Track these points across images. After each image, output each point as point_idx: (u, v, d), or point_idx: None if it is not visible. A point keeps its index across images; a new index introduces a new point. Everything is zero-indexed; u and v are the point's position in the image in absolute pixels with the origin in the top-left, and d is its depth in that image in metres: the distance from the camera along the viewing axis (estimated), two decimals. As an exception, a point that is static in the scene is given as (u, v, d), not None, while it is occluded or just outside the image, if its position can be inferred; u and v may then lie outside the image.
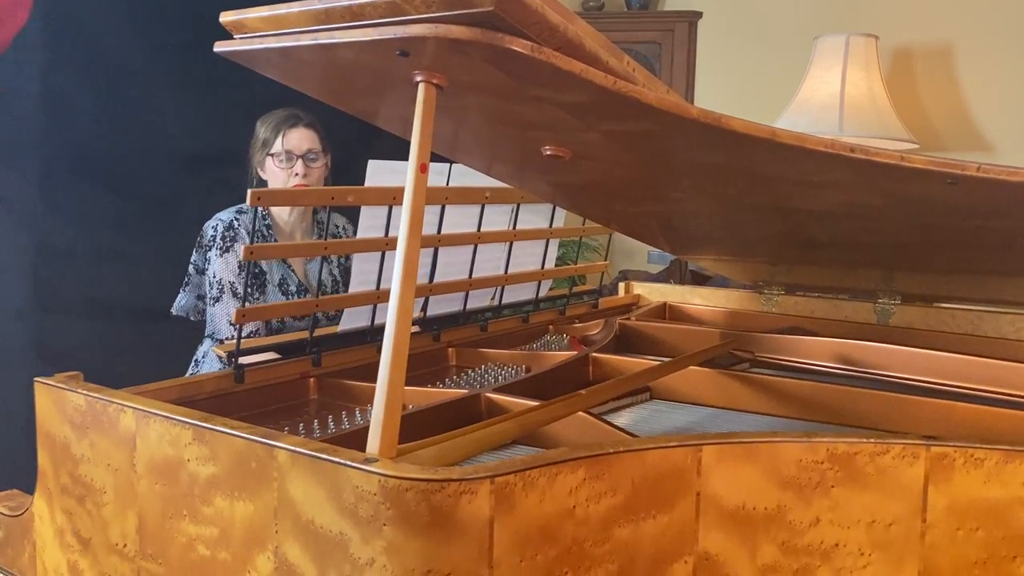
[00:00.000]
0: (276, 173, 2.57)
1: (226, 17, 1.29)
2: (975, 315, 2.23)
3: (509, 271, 2.32)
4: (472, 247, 2.18)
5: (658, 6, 4.78)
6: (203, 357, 2.53)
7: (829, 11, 4.23)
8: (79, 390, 1.45)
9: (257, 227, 2.54)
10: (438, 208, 2.05)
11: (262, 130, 2.60)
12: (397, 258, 1.19)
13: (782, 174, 1.55)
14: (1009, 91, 3.91)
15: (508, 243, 2.29)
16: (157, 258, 3.05)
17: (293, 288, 2.55)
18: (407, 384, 1.73)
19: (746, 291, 2.56)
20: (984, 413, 1.66)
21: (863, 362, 2.09)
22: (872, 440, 1.27)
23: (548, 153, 1.53)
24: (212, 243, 2.49)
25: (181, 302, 2.57)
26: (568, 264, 3.09)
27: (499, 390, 1.72)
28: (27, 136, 2.89)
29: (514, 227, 2.29)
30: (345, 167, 2.63)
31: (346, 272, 2.55)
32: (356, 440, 1.24)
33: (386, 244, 1.92)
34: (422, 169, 1.19)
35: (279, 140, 2.56)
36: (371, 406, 1.18)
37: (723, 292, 2.63)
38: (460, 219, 2.12)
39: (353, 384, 1.82)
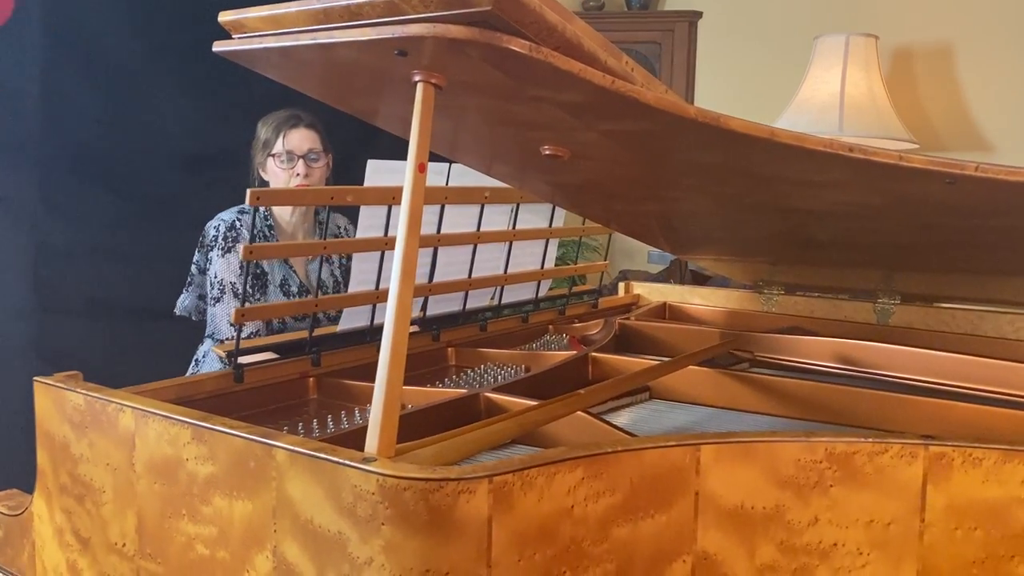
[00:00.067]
0: (277, 174, 2.58)
1: (225, 17, 1.29)
2: (975, 315, 2.23)
3: (509, 271, 2.32)
4: (472, 247, 2.18)
5: (658, 6, 4.78)
6: (203, 357, 2.53)
7: (829, 11, 4.23)
8: (78, 390, 1.45)
9: (259, 227, 2.55)
10: (437, 208, 2.05)
11: (263, 131, 2.61)
12: (395, 258, 1.19)
13: (781, 174, 1.55)
14: (1009, 91, 3.91)
15: (508, 243, 2.29)
16: (157, 258, 3.05)
17: (295, 289, 2.55)
18: (406, 384, 1.73)
19: (746, 291, 2.56)
20: (983, 413, 1.66)
21: (863, 362, 2.09)
22: (870, 440, 1.27)
23: (547, 153, 1.53)
24: (214, 243, 2.49)
25: (184, 302, 2.57)
26: (568, 264, 3.09)
27: (498, 390, 1.72)
28: (27, 136, 2.89)
29: (514, 227, 2.30)
30: (345, 167, 2.63)
31: (347, 272, 2.55)
32: (355, 440, 1.24)
33: (385, 244, 1.92)
34: (420, 169, 1.20)
35: (280, 141, 2.56)
36: (370, 406, 1.18)
37: (723, 292, 2.63)
38: (460, 219, 2.12)
39: (352, 384, 1.82)
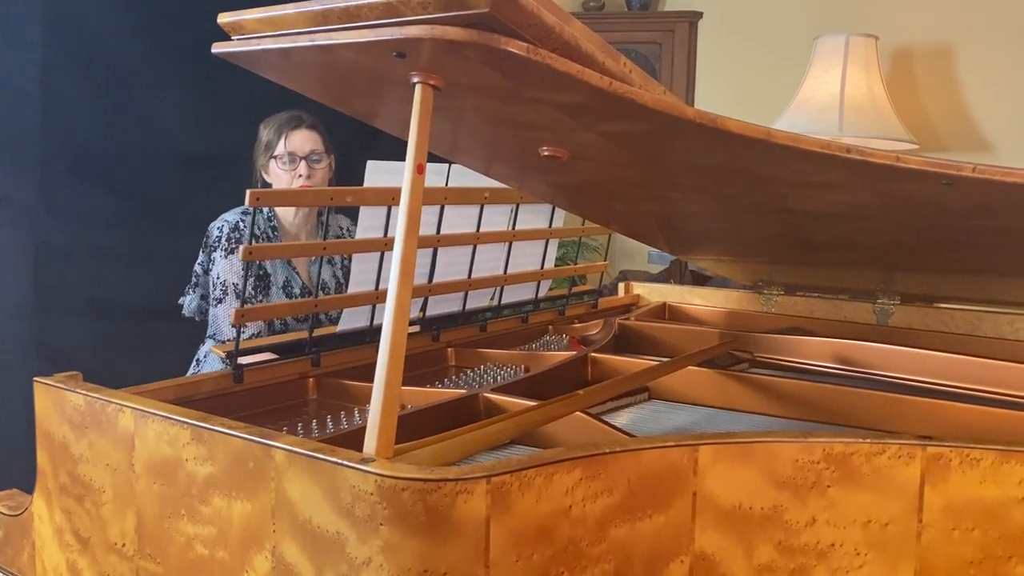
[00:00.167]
0: (280, 175, 2.58)
1: (224, 18, 1.29)
2: (974, 315, 2.23)
3: (508, 271, 2.32)
4: (471, 247, 2.18)
5: (658, 6, 4.78)
6: (204, 357, 2.54)
7: (829, 11, 4.23)
8: (78, 390, 1.45)
9: (263, 228, 2.55)
10: (437, 208, 2.05)
11: (265, 133, 2.61)
12: (394, 259, 1.19)
13: (779, 175, 1.55)
14: (1009, 91, 3.91)
15: (507, 243, 2.29)
16: (157, 258, 3.06)
17: (297, 290, 2.55)
18: (406, 384, 1.74)
19: (746, 291, 2.56)
20: (981, 413, 1.66)
21: (862, 362, 2.09)
22: (868, 440, 1.28)
23: (546, 154, 1.53)
24: (217, 244, 2.49)
25: (192, 304, 2.56)
26: (568, 264, 3.09)
27: (497, 390, 1.72)
28: (27, 136, 2.89)
29: (513, 227, 2.30)
30: (346, 168, 2.64)
31: (349, 273, 2.56)
32: (354, 440, 1.24)
33: (385, 244, 1.92)
34: (419, 170, 1.20)
35: (282, 142, 2.57)
36: (369, 406, 1.18)
37: (723, 292, 2.63)
38: (459, 219, 2.12)
39: (352, 384, 1.82)
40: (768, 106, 4.02)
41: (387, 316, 1.18)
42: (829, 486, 1.28)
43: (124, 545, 1.40)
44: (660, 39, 4.57)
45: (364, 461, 1.11)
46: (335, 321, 1.99)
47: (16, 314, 2.92)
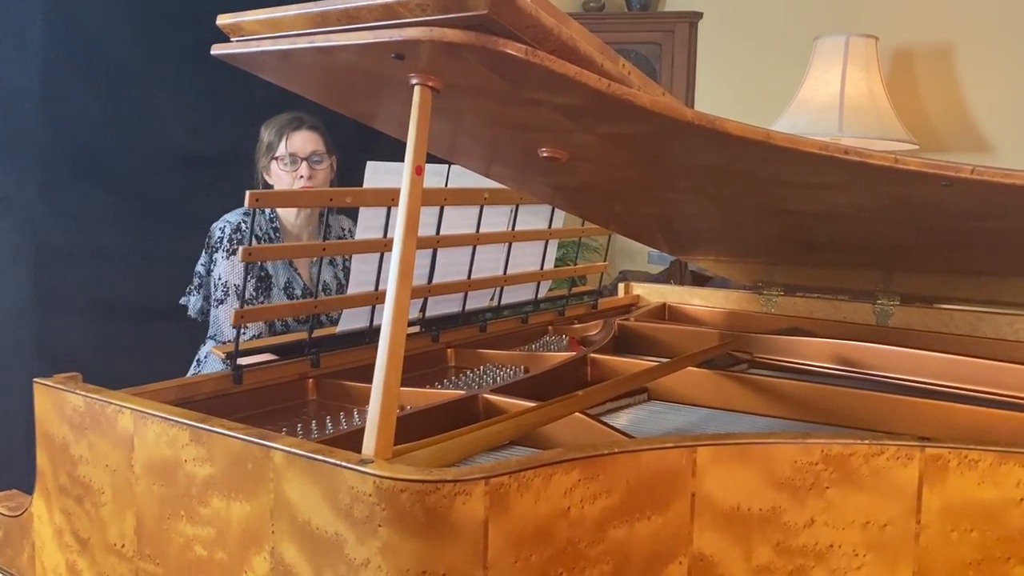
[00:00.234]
0: (281, 176, 2.58)
1: (223, 20, 1.30)
2: (974, 316, 2.23)
3: (508, 272, 2.32)
4: (471, 248, 2.18)
5: (658, 7, 4.79)
6: (205, 358, 2.54)
7: (829, 12, 4.23)
8: (77, 391, 1.45)
9: (265, 229, 2.55)
10: (437, 209, 2.05)
11: (266, 134, 2.61)
12: (393, 260, 1.19)
13: (778, 176, 1.55)
14: (1009, 92, 3.91)
15: (507, 244, 2.30)
16: (157, 258, 3.06)
17: (298, 292, 2.55)
18: (406, 385, 1.75)
19: (745, 292, 2.56)
20: (981, 414, 1.66)
21: (861, 363, 2.09)
22: (867, 441, 1.28)
23: (544, 155, 1.53)
24: (219, 244, 2.49)
25: (197, 305, 2.56)
26: (568, 265, 3.09)
27: (496, 391, 1.72)
28: (27, 136, 2.89)
29: (513, 228, 2.30)
30: (348, 169, 2.64)
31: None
32: (353, 441, 1.24)
33: (384, 245, 1.93)
34: (417, 171, 1.20)
35: (283, 143, 2.57)
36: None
37: (722, 293, 2.63)
38: (459, 220, 2.12)
39: (351, 385, 1.82)
40: (768, 106, 4.02)
41: (386, 317, 1.18)
42: (828, 487, 1.28)
43: (123, 546, 1.41)
44: (660, 39, 4.57)
45: (363, 462, 1.11)
46: (336, 322, 1.99)
47: (16, 314, 2.92)
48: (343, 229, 2.71)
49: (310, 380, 1.87)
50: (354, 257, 1.96)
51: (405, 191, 1.20)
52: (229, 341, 2.42)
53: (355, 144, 2.77)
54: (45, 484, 1.54)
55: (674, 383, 1.93)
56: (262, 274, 2.52)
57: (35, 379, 1.54)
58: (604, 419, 1.61)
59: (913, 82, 4.10)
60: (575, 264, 3.02)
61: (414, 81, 1.21)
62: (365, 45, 1.15)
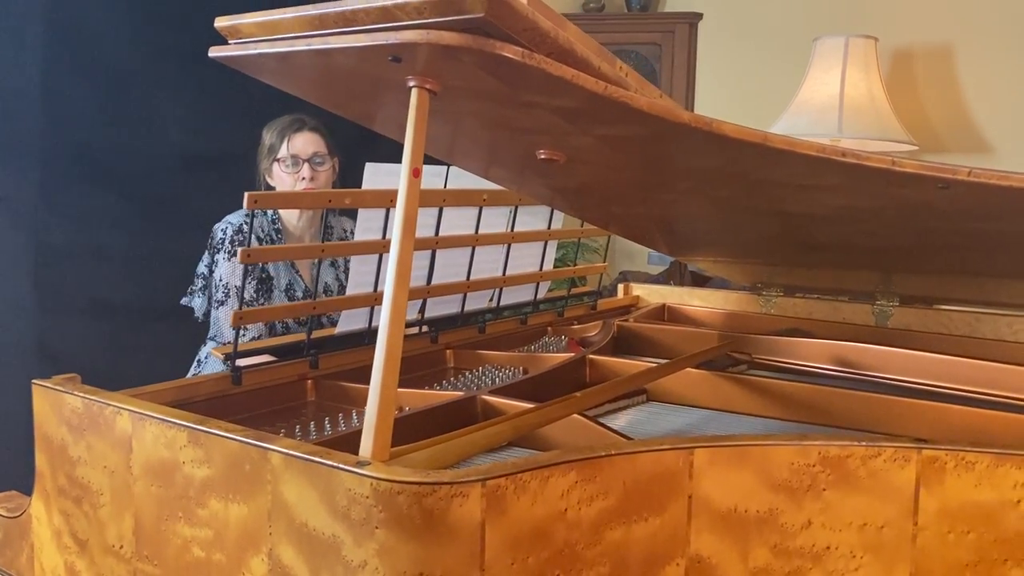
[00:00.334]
0: (283, 178, 2.58)
1: (221, 22, 1.30)
2: (973, 317, 2.23)
3: (507, 273, 2.33)
4: (470, 249, 2.19)
5: (658, 7, 4.79)
6: (206, 358, 2.54)
7: (828, 13, 4.23)
8: (76, 392, 1.46)
9: (267, 231, 2.55)
10: (436, 210, 2.05)
11: (268, 136, 2.61)
12: (390, 262, 1.19)
13: (776, 178, 1.56)
14: (1009, 93, 3.91)
15: (506, 245, 2.30)
16: (157, 258, 3.06)
17: (299, 294, 2.55)
18: (404, 386, 1.74)
19: (745, 292, 2.56)
20: (979, 416, 1.67)
21: (860, 364, 2.09)
22: (864, 443, 1.28)
23: (542, 157, 1.53)
24: (221, 245, 2.49)
25: (203, 307, 2.56)
26: (568, 266, 3.09)
27: (495, 392, 1.72)
28: (27, 136, 2.90)
29: (512, 229, 2.30)
30: (348, 170, 2.64)
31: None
32: (352, 442, 1.25)
33: (383, 247, 1.93)
34: (415, 174, 1.20)
35: (285, 145, 2.57)
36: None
37: (722, 294, 2.63)
38: (458, 221, 2.12)
39: (350, 386, 1.82)
40: (768, 107, 4.02)
41: (383, 319, 1.18)
42: (825, 489, 1.28)
43: (122, 547, 1.41)
44: (660, 40, 4.57)
45: (360, 464, 1.12)
46: (336, 324, 2.00)
47: (16, 314, 2.92)
48: (345, 230, 2.71)
49: (309, 381, 1.87)
50: (353, 258, 1.96)
51: (402, 193, 1.20)
52: (229, 342, 2.43)
53: (356, 145, 2.78)
54: (44, 485, 1.55)
55: (673, 384, 1.93)
56: (263, 276, 2.52)
57: (34, 380, 1.54)
58: (603, 421, 1.61)
59: (913, 83, 4.10)
60: (575, 265, 3.02)
61: (411, 83, 1.21)
62: (362, 48, 1.16)
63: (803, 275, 2.42)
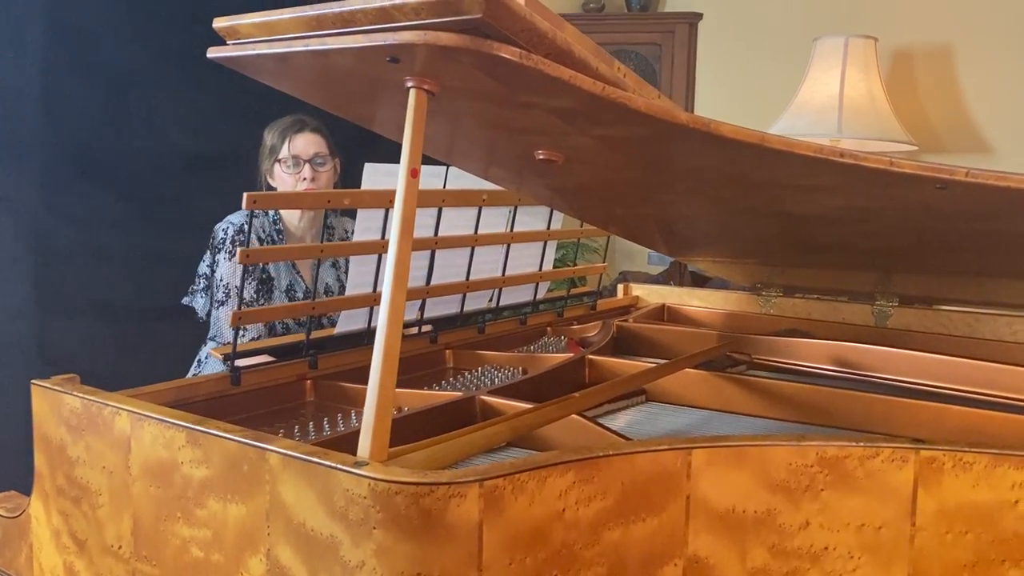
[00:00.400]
0: (284, 179, 2.58)
1: (219, 23, 1.30)
2: (972, 317, 2.23)
3: (507, 273, 2.33)
4: (470, 249, 2.19)
5: (658, 8, 4.79)
6: (206, 358, 2.54)
7: (828, 13, 4.23)
8: (75, 392, 1.46)
9: (268, 232, 2.55)
10: (435, 210, 2.05)
11: (269, 137, 2.61)
12: (388, 262, 1.20)
13: (775, 178, 1.56)
14: (1009, 93, 3.91)
15: (506, 245, 2.30)
16: (157, 258, 3.06)
17: (300, 295, 2.55)
18: (404, 386, 1.75)
19: (745, 293, 2.56)
20: (977, 416, 1.67)
21: (860, 364, 2.09)
22: (861, 444, 1.28)
23: (541, 157, 1.53)
24: (222, 245, 2.49)
25: (206, 307, 2.56)
26: (568, 266, 3.09)
27: (493, 392, 1.72)
28: (27, 136, 2.90)
29: (511, 229, 2.30)
30: (347, 169, 2.64)
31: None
32: (350, 443, 1.25)
33: (382, 247, 1.93)
34: (413, 174, 1.20)
35: (286, 146, 2.57)
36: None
37: (721, 294, 2.63)
38: (458, 221, 2.12)
39: (349, 386, 1.83)
40: (767, 107, 4.02)
41: (381, 320, 1.19)
42: (823, 489, 1.28)
43: (120, 547, 1.41)
44: (660, 40, 4.57)
45: (357, 464, 1.12)
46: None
47: (16, 315, 2.92)
48: (347, 231, 2.71)
49: (308, 381, 1.87)
50: (352, 259, 1.96)
51: (400, 194, 1.20)
52: (229, 342, 2.43)
53: (356, 146, 2.78)
54: (43, 485, 1.55)
55: (672, 385, 1.93)
56: (264, 276, 2.52)
57: (33, 381, 1.54)
58: (602, 421, 1.61)
59: (912, 83, 4.10)
60: (574, 265, 3.02)
61: (409, 84, 1.21)
62: (360, 49, 1.16)
63: (803, 275, 2.42)
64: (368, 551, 1.10)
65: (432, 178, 2.02)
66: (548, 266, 2.50)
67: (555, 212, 2.42)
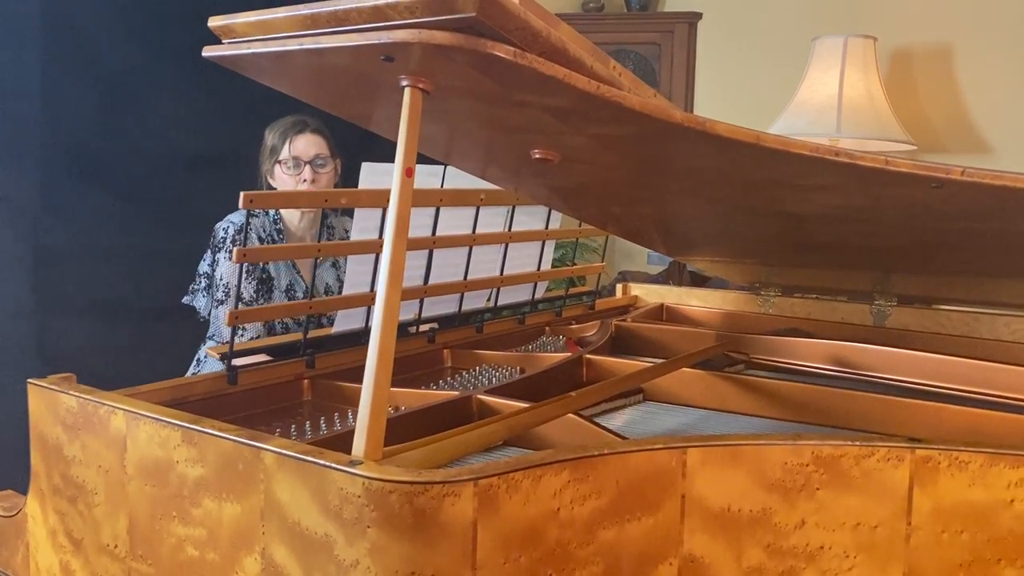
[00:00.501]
0: (285, 180, 2.58)
1: (214, 22, 1.30)
2: (971, 316, 2.23)
3: (505, 273, 2.33)
4: (468, 249, 2.18)
5: (658, 7, 4.78)
6: (205, 358, 2.54)
7: (828, 13, 4.23)
8: (70, 392, 1.46)
9: (268, 231, 2.55)
10: (433, 210, 2.05)
11: (270, 137, 2.61)
12: (383, 262, 1.20)
13: (771, 177, 1.55)
14: (1008, 93, 3.90)
15: (504, 244, 2.30)
16: (157, 258, 3.06)
17: (300, 294, 2.55)
18: (401, 385, 1.75)
19: (743, 292, 2.56)
20: (974, 415, 1.67)
21: (858, 364, 2.09)
22: (857, 443, 1.28)
23: (537, 157, 1.53)
24: (222, 244, 2.49)
25: (207, 306, 2.55)
26: (566, 265, 3.09)
27: (491, 392, 1.72)
28: (27, 136, 2.90)
29: (509, 229, 2.30)
30: (348, 170, 2.64)
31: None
32: (346, 442, 1.25)
33: (380, 247, 1.92)
34: (408, 174, 1.20)
35: (287, 147, 2.57)
36: (362, 408, 1.19)
37: (720, 293, 2.63)
38: (456, 221, 2.12)
39: (346, 386, 1.82)
40: (767, 107, 4.02)
41: (376, 319, 1.19)
42: (818, 489, 1.28)
43: (116, 546, 1.41)
44: (659, 40, 4.57)
45: (352, 463, 1.12)
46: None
47: (16, 315, 2.92)
48: (347, 230, 2.71)
49: (305, 381, 1.87)
50: (349, 258, 1.96)
51: (395, 194, 1.20)
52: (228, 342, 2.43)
53: (356, 145, 2.78)
54: (39, 485, 1.55)
55: (669, 384, 1.93)
56: (264, 276, 2.52)
57: (29, 380, 1.54)
58: (599, 420, 1.61)
59: (912, 83, 4.10)
60: (573, 265, 3.02)
61: (404, 83, 1.21)
62: (355, 47, 1.16)
63: (801, 275, 2.42)
64: (362, 550, 1.10)
65: (430, 177, 2.02)
66: (546, 266, 2.50)
67: (553, 212, 2.41)
